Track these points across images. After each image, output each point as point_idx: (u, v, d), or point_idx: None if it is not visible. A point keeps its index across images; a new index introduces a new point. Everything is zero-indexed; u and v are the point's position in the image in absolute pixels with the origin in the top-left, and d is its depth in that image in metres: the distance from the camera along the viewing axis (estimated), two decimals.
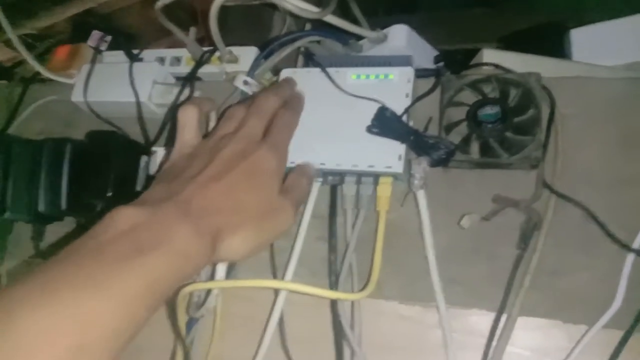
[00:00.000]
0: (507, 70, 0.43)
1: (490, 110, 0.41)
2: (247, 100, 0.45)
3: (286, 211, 0.38)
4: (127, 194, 0.46)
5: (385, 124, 0.41)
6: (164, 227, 0.31)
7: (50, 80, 0.58)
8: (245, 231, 0.35)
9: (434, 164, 0.40)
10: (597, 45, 0.51)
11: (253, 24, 0.74)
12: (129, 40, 0.64)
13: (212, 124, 0.44)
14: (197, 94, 0.51)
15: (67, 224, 0.52)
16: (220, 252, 0.34)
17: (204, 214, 0.33)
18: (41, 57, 0.64)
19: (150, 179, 0.47)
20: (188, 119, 0.41)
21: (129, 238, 0.29)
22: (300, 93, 0.45)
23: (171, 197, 0.33)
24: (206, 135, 0.42)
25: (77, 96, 0.54)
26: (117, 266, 0.28)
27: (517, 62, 0.44)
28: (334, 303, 0.42)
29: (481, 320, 0.40)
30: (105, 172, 0.44)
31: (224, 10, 0.46)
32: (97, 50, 0.58)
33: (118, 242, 0.29)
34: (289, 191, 0.39)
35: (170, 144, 0.48)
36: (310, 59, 0.48)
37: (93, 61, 0.55)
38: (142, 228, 0.30)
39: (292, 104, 0.44)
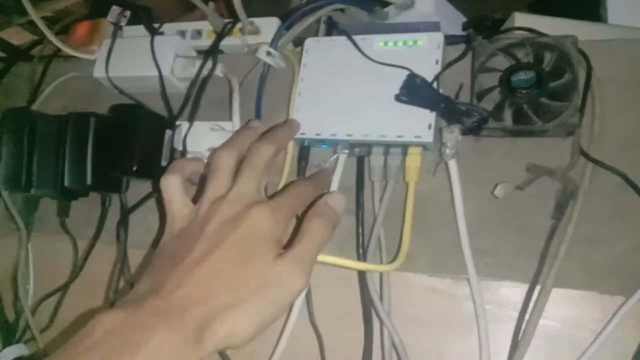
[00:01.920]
0: (541, 34, 0.41)
1: (524, 76, 0.39)
2: (235, 139, 0.41)
3: (291, 275, 0.32)
4: (152, 168, 0.46)
5: (414, 91, 0.40)
6: (140, 330, 0.29)
7: (72, 57, 0.58)
8: (241, 311, 0.31)
9: (467, 131, 0.39)
10: (633, 7, 0.49)
11: None
12: (148, 13, 0.63)
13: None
14: (219, 66, 0.50)
15: (92, 201, 0.53)
16: (217, 342, 0.30)
17: (189, 305, 0.30)
18: (64, 33, 0.64)
19: (174, 153, 0.47)
20: (171, 191, 0.38)
21: (104, 346, 0.28)
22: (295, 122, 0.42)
23: (152, 291, 0.31)
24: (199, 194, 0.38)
25: (99, 72, 0.53)
26: None
27: (550, 26, 0.43)
28: (362, 276, 0.41)
29: (513, 292, 0.39)
30: (130, 146, 0.44)
31: None
32: (117, 26, 0.58)
33: (92, 352, 0.28)
34: (296, 245, 0.34)
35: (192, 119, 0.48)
36: (334, 27, 0.47)
37: (114, 36, 0.55)
38: (118, 333, 0.29)
39: (312, 175, 0.41)
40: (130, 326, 0.29)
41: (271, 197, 0.37)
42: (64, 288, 0.53)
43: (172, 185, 0.38)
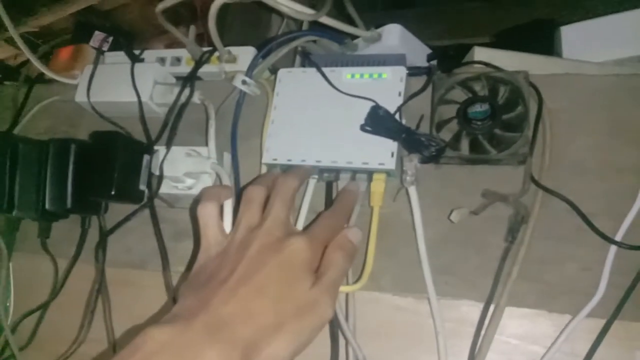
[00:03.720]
0: (497, 69, 0.44)
1: (479, 108, 0.42)
2: (262, 178, 0.44)
3: (324, 302, 0.34)
4: (130, 192, 0.48)
5: (378, 122, 0.42)
6: (193, 346, 0.30)
7: (54, 80, 0.60)
8: (284, 335, 0.32)
9: (425, 160, 0.42)
10: (586, 41, 0.52)
11: (252, 21, 0.76)
12: (130, 39, 0.66)
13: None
14: (197, 93, 0.52)
15: (73, 221, 0.54)
16: None
17: (235, 323, 0.32)
18: (47, 57, 0.66)
19: (152, 177, 0.49)
20: (209, 216, 0.39)
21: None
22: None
23: (200, 310, 0.32)
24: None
25: (80, 97, 0.55)
26: None
27: (507, 60, 0.46)
28: None
29: (471, 310, 0.42)
30: (108, 171, 0.46)
31: (223, 7, 0.48)
32: (100, 51, 0.60)
33: None
34: (323, 275, 0.36)
35: (168, 143, 0.50)
36: (306, 59, 0.49)
37: (96, 62, 0.57)
38: (170, 348, 0.30)
39: (339, 205, 0.42)
40: (183, 341, 0.30)
41: (306, 228, 0.39)
42: (44, 306, 0.54)
43: (209, 212, 0.39)
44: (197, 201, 0.42)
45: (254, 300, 0.33)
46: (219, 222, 0.39)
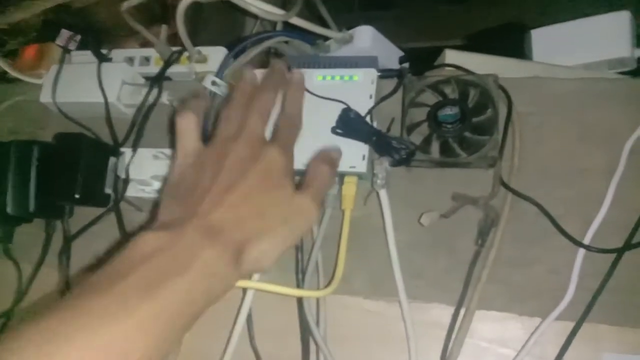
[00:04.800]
0: (467, 72, 0.44)
1: (449, 111, 0.42)
2: (237, 98, 0.43)
3: (307, 208, 0.37)
4: (95, 195, 0.46)
5: (349, 125, 0.42)
6: (188, 251, 0.31)
7: (19, 80, 0.58)
8: (271, 237, 0.34)
9: (395, 163, 0.41)
10: (556, 45, 0.53)
11: (227, 20, 0.75)
12: (99, 38, 0.64)
13: None
14: (165, 94, 0.51)
15: (36, 225, 0.53)
16: (249, 264, 0.33)
17: (225, 229, 0.33)
18: (13, 55, 0.64)
19: (118, 181, 0.47)
20: (187, 125, 0.39)
21: (153, 264, 0.29)
22: (298, 76, 0.44)
23: (190, 216, 0.33)
24: (207, 140, 0.41)
25: (45, 97, 0.54)
26: (144, 293, 0.28)
27: (478, 63, 0.46)
28: (300, 299, 0.43)
29: (442, 313, 0.42)
30: (73, 174, 0.44)
31: (197, 6, 0.47)
32: (66, 50, 0.58)
33: (142, 269, 0.29)
34: (308, 185, 0.38)
35: (172, 145, 0.49)
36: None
37: (62, 61, 0.55)
38: (166, 253, 0.30)
39: (293, 99, 0.43)
40: (178, 244, 0.31)
41: (273, 136, 0.40)
42: (7, 313, 0.53)
43: (188, 121, 0.39)
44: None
45: (240, 207, 0.34)
46: (196, 133, 0.40)
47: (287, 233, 0.36)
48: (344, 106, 0.43)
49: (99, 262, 0.49)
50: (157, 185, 0.47)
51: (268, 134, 0.40)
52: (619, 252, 0.39)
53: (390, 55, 0.52)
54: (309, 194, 0.37)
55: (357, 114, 0.42)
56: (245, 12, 0.73)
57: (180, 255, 0.30)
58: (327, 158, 0.41)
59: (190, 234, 0.32)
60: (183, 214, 0.33)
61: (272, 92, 0.42)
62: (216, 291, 0.32)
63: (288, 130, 0.41)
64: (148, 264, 0.29)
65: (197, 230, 0.32)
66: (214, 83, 0.50)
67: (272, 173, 0.36)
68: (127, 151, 0.48)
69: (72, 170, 0.44)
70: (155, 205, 0.47)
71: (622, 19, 0.52)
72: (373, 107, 0.43)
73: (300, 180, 0.39)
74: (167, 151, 0.48)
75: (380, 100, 0.44)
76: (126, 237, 0.48)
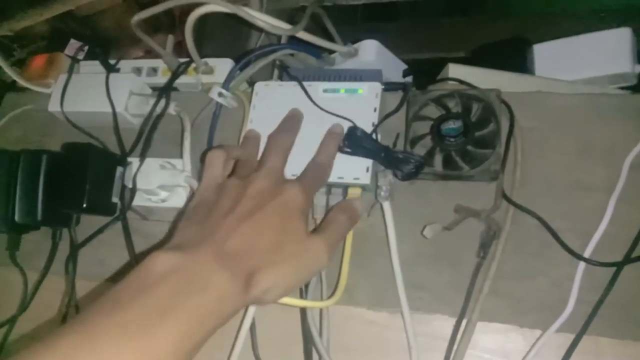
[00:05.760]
0: (470, 86, 0.45)
1: (452, 125, 0.43)
2: (250, 142, 0.45)
3: (319, 251, 0.37)
4: (102, 204, 0.47)
5: (356, 143, 0.42)
6: (202, 273, 0.31)
7: (28, 89, 0.59)
8: (281, 270, 0.35)
9: (405, 177, 0.42)
10: (558, 60, 0.54)
11: (232, 32, 0.76)
12: (106, 47, 0.65)
13: None
14: (173, 104, 0.52)
15: (43, 233, 0.53)
16: (258, 292, 0.33)
17: (239, 255, 0.33)
18: (21, 63, 0.65)
19: (125, 190, 0.48)
20: (215, 159, 0.41)
21: (168, 284, 0.30)
22: (338, 129, 0.44)
23: (205, 239, 0.34)
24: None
25: (54, 106, 0.54)
26: (158, 313, 0.29)
27: (480, 77, 0.47)
28: (303, 309, 0.44)
29: (444, 324, 0.42)
30: (80, 183, 0.45)
31: (203, 17, 0.48)
32: (75, 60, 0.59)
33: (157, 289, 0.30)
34: (324, 230, 0.39)
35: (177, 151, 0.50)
36: (286, 73, 0.49)
37: (70, 71, 0.56)
38: (181, 274, 0.31)
39: (327, 149, 0.43)
40: (192, 267, 0.31)
41: (298, 177, 0.41)
42: (12, 320, 0.53)
43: (217, 157, 0.41)
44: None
45: (255, 236, 0.35)
46: (222, 166, 0.41)
47: (297, 270, 0.36)
48: (350, 125, 0.43)
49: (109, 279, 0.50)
50: (163, 194, 0.47)
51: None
52: (619, 265, 0.39)
53: (395, 68, 0.52)
54: (322, 238, 0.37)
55: (364, 132, 0.42)
56: (250, 25, 0.75)
57: (194, 278, 0.31)
58: (349, 209, 0.41)
59: (204, 257, 0.32)
60: (199, 237, 0.34)
61: (290, 134, 0.44)
62: (224, 315, 0.32)
63: (313, 175, 0.42)
64: (164, 283, 0.30)
65: (211, 255, 0.32)
66: (220, 94, 0.50)
67: (289, 210, 0.37)
68: (134, 161, 0.49)
69: (80, 180, 0.45)
70: (173, 224, 0.48)
71: (623, 35, 0.53)
72: (378, 124, 0.43)
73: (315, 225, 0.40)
74: (174, 161, 0.49)
75: (385, 116, 0.45)
76: (132, 247, 0.49)
